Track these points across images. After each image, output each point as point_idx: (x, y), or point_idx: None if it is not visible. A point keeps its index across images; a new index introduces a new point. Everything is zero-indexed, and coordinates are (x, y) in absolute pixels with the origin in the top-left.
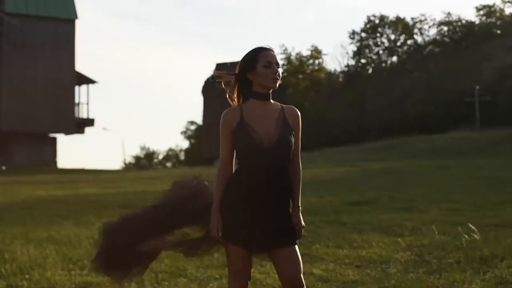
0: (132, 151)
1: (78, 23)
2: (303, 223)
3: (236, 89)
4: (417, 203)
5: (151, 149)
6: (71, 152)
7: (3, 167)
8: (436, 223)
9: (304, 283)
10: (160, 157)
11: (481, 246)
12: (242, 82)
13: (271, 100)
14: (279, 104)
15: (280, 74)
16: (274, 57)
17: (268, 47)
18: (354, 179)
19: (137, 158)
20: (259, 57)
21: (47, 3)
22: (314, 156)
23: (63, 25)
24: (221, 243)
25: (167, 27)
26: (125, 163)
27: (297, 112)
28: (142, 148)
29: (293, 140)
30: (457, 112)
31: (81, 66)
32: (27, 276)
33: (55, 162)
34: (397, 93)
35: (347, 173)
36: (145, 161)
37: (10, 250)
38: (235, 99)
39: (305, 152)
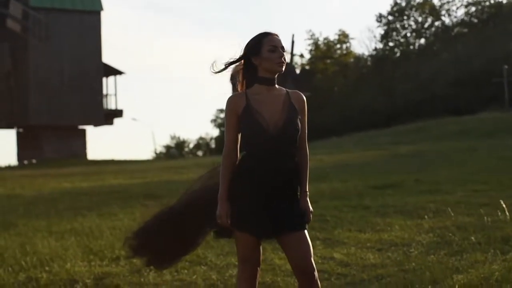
0: (162, 140)
1: (104, 15)
2: (311, 208)
3: (241, 74)
4: (442, 185)
5: (181, 138)
6: (101, 143)
7: (34, 161)
8: (460, 204)
9: (315, 267)
10: (191, 146)
11: (504, 226)
12: (247, 67)
13: (276, 85)
14: (284, 89)
15: (286, 58)
16: (279, 41)
17: (272, 32)
18: (381, 163)
19: (167, 147)
20: (264, 41)
21: None
22: (342, 141)
23: (89, 17)
24: (229, 230)
25: (193, 17)
26: (155, 153)
27: (303, 97)
28: (172, 138)
29: (299, 125)
30: (487, 92)
31: (108, 57)
32: (47, 268)
33: (85, 154)
34: (426, 75)
35: (374, 157)
36: (174, 150)
37: (32, 242)
38: (240, 85)
39: (334, 137)
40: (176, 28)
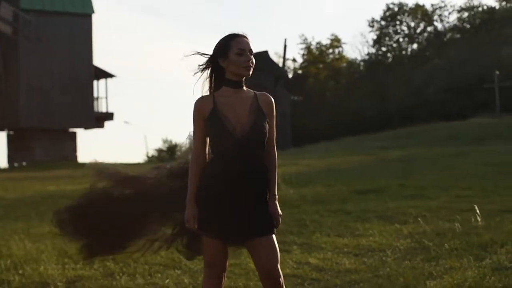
0: (155, 144)
1: (95, 18)
2: (280, 212)
3: (209, 76)
4: (426, 190)
5: (173, 142)
6: (93, 147)
7: (24, 163)
8: (442, 210)
9: (281, 273)
10: (183, 149)
11: (482, 232)
12: (215, 69)
13: (245, 88)
14: (252, 91)
15: (254, 62)
16: (248, 44)
17: (241, 33)
18: (368, 168)
19: (159, 151)
20: (231, 44)
21: None
22: (333, 145)
23: (80, 20)
24: (196, 234)
25: (186, 20)
26: (148, 157)
27: (271, 99)
28: (165, 141)
29: (267, 128)
30: (478, 98)
31: (99, 60)
32: (20, 271)
33: (75, 157)
34: (418, 81)
35: (362, 161)
36: (165, 154)
37: (8, 245)
38: (208, 87)
39: (324, 142)
40: (168, 31)
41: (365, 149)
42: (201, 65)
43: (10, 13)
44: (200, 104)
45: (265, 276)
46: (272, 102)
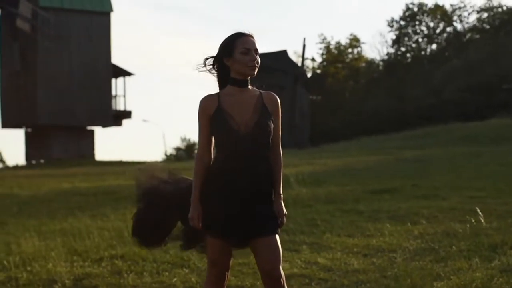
0: (173, 142)
1: (114, 16)
2: (285, 211)
3: (216, 75)
4: (440, 191)
5: (191, 141)
6: (111, 144)
7: (41, 161)
8: (454, 210)
9: (282, 274)
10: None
11: (493, 234)
12: (220, 68)
13: (250, 87)
14: (257, 90)
15: (259, 61)
16: (253, 43)
17: (247, 33)
18: (384, 168)
19: (177, 149)
20: (236, 43)
21: None
22: (350, 145)
23: (98, 18)
24: (200, 232)
25: (204, 17)
26: (166, 155)
27: (276, 98)
28: (183, 140)
29: (271, 126)
30: (497, 99)
31: (117, 58)
32: (28, 268)
33: (93, 155)
34: (437, 81)
35: (379, 161)
36: (182, 152)
37: (18, 242)
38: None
39: (343, 141)
40: (186, 28)
41: (382, 149)
42: (208, 64)
43: (29, 10)
44: (205, 103)
45: (266, 276)
46: (277, 101)
